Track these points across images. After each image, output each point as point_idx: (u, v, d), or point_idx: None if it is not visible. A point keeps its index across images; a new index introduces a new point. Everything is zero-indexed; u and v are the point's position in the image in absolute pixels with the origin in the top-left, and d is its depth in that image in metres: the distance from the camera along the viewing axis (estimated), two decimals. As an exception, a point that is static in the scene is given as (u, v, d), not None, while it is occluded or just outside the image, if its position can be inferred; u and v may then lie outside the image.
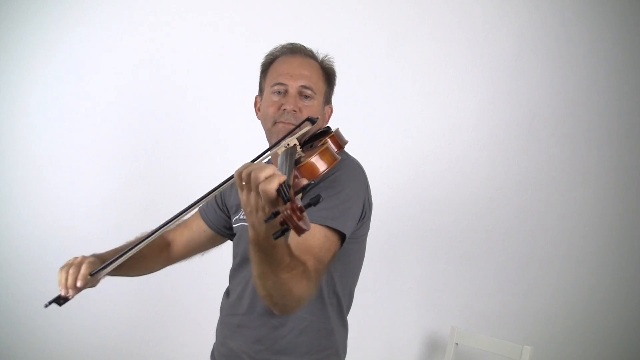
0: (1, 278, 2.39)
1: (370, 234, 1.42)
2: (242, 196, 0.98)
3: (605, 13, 2.34)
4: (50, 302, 1.23)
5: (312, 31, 2.24)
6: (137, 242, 1.26)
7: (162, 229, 1.25)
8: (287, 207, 0.83)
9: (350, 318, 1.45)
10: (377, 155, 2.25)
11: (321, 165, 1.06)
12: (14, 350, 2.40)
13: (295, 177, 0.98)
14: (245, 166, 0.97)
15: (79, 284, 1.22)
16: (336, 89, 1.48)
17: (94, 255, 1.34)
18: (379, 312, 2.33)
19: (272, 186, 0.89)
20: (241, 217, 1.46)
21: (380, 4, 2.36)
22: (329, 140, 1.21)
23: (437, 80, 2.34)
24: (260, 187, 0.91)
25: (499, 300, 2.32)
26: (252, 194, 0.95)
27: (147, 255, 1.50)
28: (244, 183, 0.96)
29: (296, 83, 1.36)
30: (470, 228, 2.33)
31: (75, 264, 1.25)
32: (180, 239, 1.59)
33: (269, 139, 1.42)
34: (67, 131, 2.40)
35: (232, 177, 1.18)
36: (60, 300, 1.23)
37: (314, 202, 0.83)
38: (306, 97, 1.37)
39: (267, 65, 1.45)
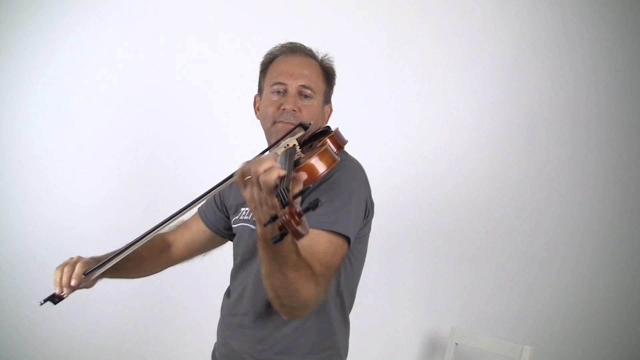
0: (1, 278, 2.39)
1: (371, 234, 1.42)
2: (246, 193, 0.98)
3: (605, 13, 2.34)
4: (45, 300, 1.27)
5: (312, 31, 2.24)
6: (132, 243, 1.27)
7: (157, 229, 1.26)
8: (285, 212, 0.83)
9: (351, 318, 1.45)
10: (377, 155, 2.25)
11: (320, 167, 1.05)
12: (14, 350, 2.40)
13: (294, 178, 0.98)
14: (245, 163, 0.98)
15: (72, 282, 1.25)
16: (336, 88, 1.48)
17: (92, 257, 1.35)
18: (379, 312, 2.33)
19: (272, 176, 0.90)
20: (241, 217, 1.46)
21: (380, 4, 2.36)
22: (328, 141, 1.21)
23: (437, 80, 2.34)
24: (261, 179, 0.92)
25: (499, 300, 2.32)
26: (255, 189, 0.95)
27: (146, 257, 1.50)
28: (246, 179, 0.97)
29: (296, 82, 1.36)
30: (470, 228, 2.33)
31: (70, 264, 1.28)
32: (180, 240, 1.59)
33: (268, 139, 1.42)
34: (67, 131, 2.40)
35: (230, 176, 1.19)
36: (55, 299, 1.26)
37: (313, 206, 0.83)
38: (306, 96, 1.37)
39: (267, 65, 1.44)
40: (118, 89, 2.39)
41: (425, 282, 2.34)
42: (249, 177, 0.96)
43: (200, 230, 1.59)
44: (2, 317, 2.40)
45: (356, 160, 1.38)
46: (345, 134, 1.30)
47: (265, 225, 0.90)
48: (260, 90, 1.46)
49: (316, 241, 1.15)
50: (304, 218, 0.84)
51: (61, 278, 1.26)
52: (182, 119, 2.39)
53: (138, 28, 2.39)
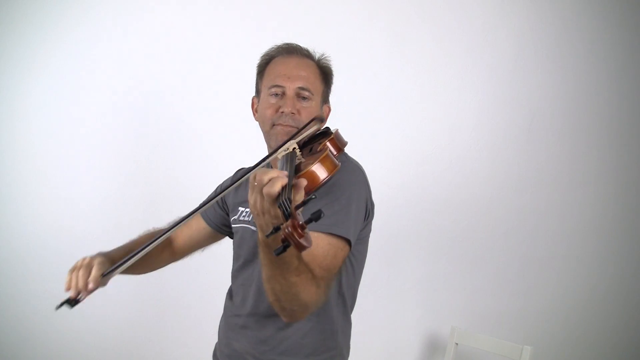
0: (1, 278, 2.40)
1: (371, 234, 1.42)
2: (250, 199, 0.99)
3: (605, 13, 2.34)
4: (61, 305, 1.23)
5: (312, 31, 2.24)
6: (147, 243, 1.25)
7: (172, 229, 1.24)
8: (288, 224, 0.83)
9: (351, 318, 1.45)
10: (377, 155, 2.25)
11: (322, 174, 1.04)
12: (14, 350, 2.40)
13: (296, 185, 0.98)
14: (255, 170, 0.99)
15: (90, 285, 1.22)
16: (336, 88, 1.48)
17: (101, 255, 1.32)
18: (379, 312, 2.33)
19: (275, 188, 0.90)
20: (241, 217, 1.46)
21: (380, 4, 2.36)
22: (329, 144, 1.20)
23: (437, 80, 2.34)
24: (264, 190, 0.92)
25: (499, 300, 2.32)
26: (258, 197, 0.96)
27: (150, 254, 1.50)
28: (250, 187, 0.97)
29: (293, 85, 1.36)
30: (470, 228, 2.33)
31: (84, 266, 1.25)
32: (180, 236, 1.60)
33: (267, 141, 1.42)
34: (67, 131, 2.40)
35: (236, 181, 1.19)
36: (71, 303, 1.23)
37: (315, 217, 0.82)
38: (304, 98, 1.36)
39: (263, 66, 1.44)
40: (118, 89, 2.39)
41: (425, 282, 2.34)
42: (252, 186, 0.97)
43: (200, 227, 1.59)
44: (2, 317, 2.40)
45: (356, 162, 1.38)
46: (344, 134, 1.30)
47: (267, 236, 0.89)
48: (257, 92, 1.46)
49: (316, 244, 1.15)
50: (307, 230, 0.84)
51: (77, 282, 1.23)
52: (182, 119, 2.39)
53: (138, 28, 2.39)
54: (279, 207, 0.87)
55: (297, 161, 1.10)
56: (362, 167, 1.38)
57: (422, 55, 2.34)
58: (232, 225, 1.51)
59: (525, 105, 2.33)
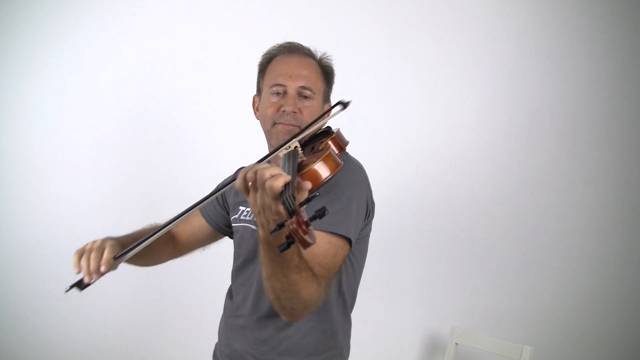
0: (1, 278, 2.40)
1: (371, 234, 1.42)
2: (250, 198, 0.98)
3: (605, 13, 2.34)
4: (71, 287, 1.20)
5: (312, 31, 2.24)
6: (158, 229, 1.24)
7: (181, 217, 1.23)
8: (292, 221, 0.82)
9: (351, 317, 1.45)
10: (377, 155, 2.25)
11: (324, 172, 1.03)
12: (14, 350, 2.40)
13: (298, 184, 0.97)
14: (251, 167, 0.97)
15: (102, 268, 1.19)
16: (336, 88, 1.48)
17: (111, 238, 1.29)
18: (379, 312, 2.33)
19: (278, 183, 0.90)
20: (241, 217, 1.46)
21: (380, 4, 2.36)
22: (331, 143, 1.20)
23: (437, 80, 2.34)
24: (267, 184, 0.91)
25: (499, 300, 2.32)
26: (259, 194, 0.95)
27: (155, 247, 1.49)
28: (249, 184, 0.96)
29: (295, 84, 1.36)
30: (470, 228, 2.33)
31: (96, 248, 1.21)
32: (181, 234, 1.59)
33: (268, 140, 1.42)
34: (67, 131, 2.40)
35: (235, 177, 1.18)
36: (81, 285, 1.20)
37: (320, 214, 0.82)
38: (305, 97, 1.37)
39: (265, 65, 1.44)
40: (118, 89, 2.39)
41: (426, 282, 2.34)
42: (252, 182, 0.96)
43: (200, 225, 1.59)
44: (2, 317, 2.40)
45: (357, 161, 1.38)
46: (345, 134, 1.30)
47: (271, 232, 0.89)
48: (258, 90, 1.46)
49: (316, 243, 1.15)
50: (311, 227, 0.83)
51: (88, 265, 1.19)
52: (182, 119, 2.39)
53: (138, 28, 2.39)
54: (282, 204, 0.87)
55: (299, 159, 1.10)
56: (363, 166, 1.38)
57: (422, 55, 2.34)
58: (232, 225, 1.50)
59: (525, 105, 2.33)
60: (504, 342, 1.99)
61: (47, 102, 2.39)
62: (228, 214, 1.56)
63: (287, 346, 1.33)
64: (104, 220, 2.35)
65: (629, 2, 2.34)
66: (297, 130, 1.33)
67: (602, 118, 2.34)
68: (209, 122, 2.38)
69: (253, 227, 1.39)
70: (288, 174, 0.95)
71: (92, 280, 1.19)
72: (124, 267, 2.46)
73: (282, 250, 0.84)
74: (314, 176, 1.02)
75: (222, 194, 1.54)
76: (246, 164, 1.58)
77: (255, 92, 1.49)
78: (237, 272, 1.46)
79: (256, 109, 1.46)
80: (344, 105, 1.23)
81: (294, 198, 0.87)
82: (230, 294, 1.49)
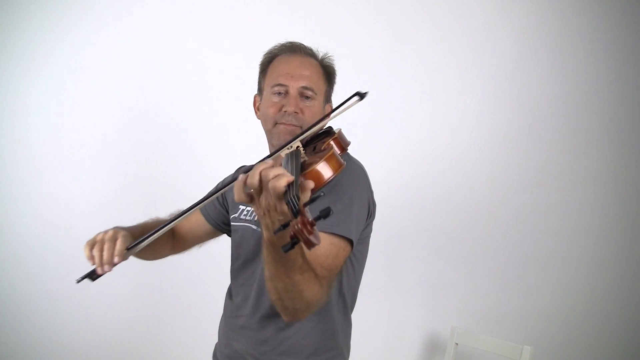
0: (1, 278, 2.40)
1: (371, 234, 1.42)
2: (255, 199, 0.98)
3: (605, 13, 2.34)
4: (82, 278, 1.19)
5: (312, 31, 2.24)
6: (169, 221, 1.23)
7: (185, 214, 1.23)
8: (297, 221, 0.82)
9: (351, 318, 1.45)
10: (377, 155, 2.25)
11: (327, 172, 1.03)
12: (14, 350, 2.40)
13: (302, 184, 0.96)
14: (251, 171, 0.97)
15: (116, 260, 1.18)
16: (336, 88, 1.48)
17: (121, 228, 1.28)
18: (379, 312, 2.33)
19: (281, 183, 0.90)
20: (241, 216, 1.45)
21: (380, 4, 2.36)
22: (333, 143, 1.20)
23: (437, 80, 2.34)
24: (270, 184, 0.91)
25: (499, 301, 2.32)
26: (263, 195, 0.95)
27: (158, 241, 1.48)
28: (252, 190, 0.96)
29: (297, 84, 1.35)
30: (470, 228, 2.33)
31: (109, 239, 1.20)
32: (180, 231, 1.59)
33: (269, 139, 1.41)
34: (67, 131, 2.40)
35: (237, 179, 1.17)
36: (94, 276, 1.19)
37: (324, 214, 0.82)
38: (307, 97, 1.36)
39: (266, 64, 1.43)
40: (118, 89, 2.39)
41: (425, 282, 2.34)
42: (252, 184, 0.95)
43: (199, 223, 1.59)
44: (2, 317, 2.40)
45: (358, 162, 1.38)
46: (345, 134, 1.30)
47: (275, 232, 0.89)
48: (260, 90, 1.46)
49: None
50: (315, 227, 0.83)
51: (101, 256, 1.17)
52: (182, 119, 2.39)
53: (138, 28, 2.39)
54: (287, 204, 0.86)
55: (301, 159, 1.09)
56: (364, 167, 1.38)
57: (422, 55, 2.34)
58: (232, 224, 1.50)
59: (525, 105, 2.33)
60: (504, 342, 1.99)
61: (47, 102, 2.39)
62: (227, 212, 1.55)
63: (287, 346, 1.33)
64: (104, 220, 2.31)
65: (629, 2, 2.34)
66: (299, 130, 1.32)
67: (602, 118, 2.34)
68: (209, 122, 2.38)
69: (254, 227, 1.39)
70: (290, 173, 0.95)
71: (105, 271, 1.18)
72: (124, 267, 2.46)
73: (287, 251, 0.84)
74: (317, 176, 1.01)
75: (222, 194, 1.54)
76: (247, 163, 1.59)
77: (255, 92, 1.48)
78: (237, 272, 1.46)
79: (257, 109, 1.46)
80: (361, 96, 1.20)
81: (298, 198, 0.86)
82: (230, 294, 1.49)
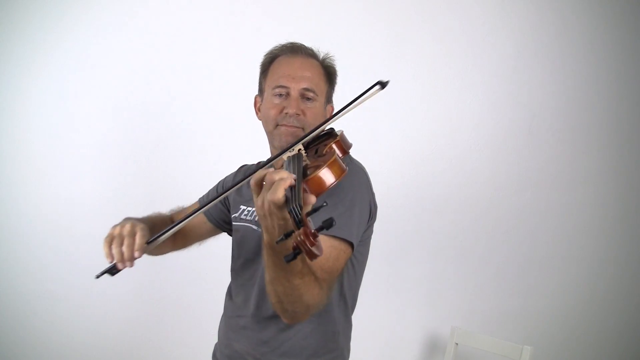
0: (1, 278, 2.40)
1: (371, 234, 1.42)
2: (257, 201, 0.98)
3: (605, 13, 2.34)
4: (102, 273, 1.17)
5: (312, 31, 2.24)
6: (185, 216, 1.22)
7: (195, 214, 1.22)
8: (300, 233, 0.82)
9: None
10: (377, 156, 2.25)
11: (329, 179, 1.01)
12: (14, 350, 2.40)
13: (304, 190, 0.95)
14: (261, 170, 0.97)
15: (136, 254, 1.16)
16: (336, 88, 1.48)
17: (138, 221, 1.25)
18: (379, 312, 2.33)
19: (283, 188, 0.90)
20: (242, 216, 1.45)
21: (380, 4, 2.36)
22: (335, 147, 1.19)
23: (437, 80, 2.34)
24: (272, 189, 0.91)
25: (499, 300, 2.32)
26: (265, 198, 0.95)
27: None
28: (264, 183, 0.96)
29: (298, 85, 1.35)
30: (470, 228, 2.33)
31: (128, 235, 1.17)
32: (182, 228, 1.57)
33: (270, 141, 1.41)
34: (68, 131, 2.40)
35: (240, 178, 1.17)
36: (113, 271, 1.17)
37: (327, 225, 0.82)
38: (308, 99, 1.36)
39: (267, 65, 1.43)
40: (118, 89, 2.39)
41: (425, 282, 2.34)
42: (261, 185, 0.95)
43: (201, 221, 1.58)
44: (2, 317, 2.40)
45: (359, 164, 1.38)
46: (346, 135, 1.30)
47: (277, 242, 0.89)
48: (261, 91, 1.45)
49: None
50: (318, 238, 0.83)
51: (122, 252, 1.15)
52: (182, 119, 2.39)
53: (138, 28, 2.39)
54: (289, 213, 0.86)
55: (303, 163, 1.09)
56: (365, 169, 1.38)
57: (422, 55, 2.34)
58: (233, 223, 1.50)
59: (525, 105, 2.33)
60: (504, 342, 1.99)
61: (47, 102, 2.39)
62: (229, 211, 1.55)
63: (288, 347, 1.32)
64: (104, 220, 2.32)
65: (629, 2, 2.34)
66: (300, 132, 1.32)
67: (602, 118, 2.34)
68: (209, 122, 2.38)
69: (254, 227, 1.39)
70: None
71: (126, 267, 1.16)
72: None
73: (289, 261, 0.84)
74: (319, 183, 1.00)
75: (223, 190, 1.53)
76: (247, 162, 1.58)
77: (255, 92, 1.48)
78: (237, 271, 1.46)
79: (258, 109, 1.46)
80: (383, 85, 1.17)
81: (301, 207, 0.86)
82: (230, 294, 1.49)
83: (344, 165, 1.06)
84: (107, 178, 2.38)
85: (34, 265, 2.38)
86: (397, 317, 2.35)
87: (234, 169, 1.63)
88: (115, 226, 1.21)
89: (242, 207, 1.46)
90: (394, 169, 2.32)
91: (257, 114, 1.46)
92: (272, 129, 1.37)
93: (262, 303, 1.33)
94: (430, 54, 2.34)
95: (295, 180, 0.92)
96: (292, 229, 0.85)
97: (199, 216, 1.57)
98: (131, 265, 1.16)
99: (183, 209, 1.60)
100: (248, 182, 1.19)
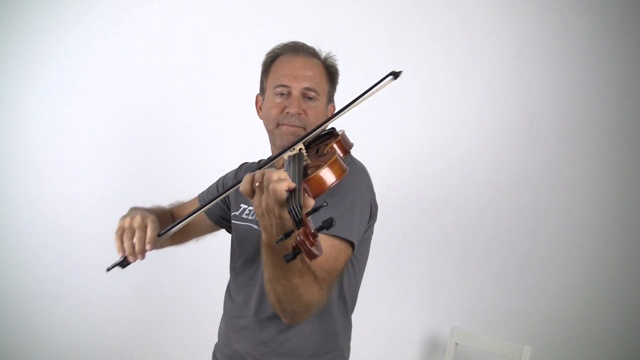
0: (1, 278, 2.39)
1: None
2: (255, 200, 0.97)
3: (605, 13, 2.34)
4: (112, 266, 1.17)
5: (312, 31, 2.23)
6: (194, 210, 1.22)
7: (203, 208, 1.23)
8: (300, 233, 0.82)
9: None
10: (377, 156, 2.25)
11: (330, 179, 1.01)
12: (14, 350, 2.40)
13: (305, 190, 0.95)
14: (259, 171, 0.97)
15: (148, 247, 1.15)
16: (337, 88, 1.48)
17: (147, 211, 1.24)
18: (379, 312, 2.33)
19: (282, 186, 0.89)
20: (243, 215, 1.45)
21: (380, 4, 2.36)
22: (336, 146, 1.19)
23: (437, 80, 2.34)
24: (271, 186, 0.91)
25: (499, 300, 2.32)
26: (264, 196, 0.94)
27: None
28: (257, 184, 0.96)
29: (299, 85, 1.35)
30: (470, 228, 2.33)
31: (139, 227, 1.16)
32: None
33: (271, 140, 1.41)
34: (68, 131, 2.40)
35: (240, 177, 1.17)
36: (124, 263, 1.16)
37: (327, 225, 0.81)
38: (310, 98, 1.35)
39: (269, 64, 1.42)
40: (118, 89, 2.39)
41: (425, 282, 2.34)
42: (259, 183, 0.95)
43: (200, 217, 1.57)
44: (2, 317, 2.40)
45: (360, 164, 1.37)
46: (347, 135, 1.30)
47: (277, 242, 0.88)
48: (262, 90, 1.45)
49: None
50: (318, 238, 0.83)
51: (133, 245, 1.14)
52: (182, 118, 2.39)
53: (138, 28, 2.39)
54: (289, 213, 0.86)
55: (304, 162, 1.09)
56: (366, 168, 1.37)
57: (422, 55, 2.34)
58: (233, 222, 1.49)
59: (525, 105, 2.33)
60: (504, 342, 1.99)
61: (47, 102, 2.39)
62: (229, 209, 1.55)
63: (288, 348, 1.32)
64: (104, 220, 2.33)
65: (629, 2, 2.33)
66: (302, 131, 1.32)
67: (602, 118, 2.33)
68: (210, 122, 2.38)
69: (256, 227, 1.39)
70: (293, 178, 0.94)
71: (137, 260, 1.16)
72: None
73: (288, 261, 0.83)
74: (320, 182, 0.99)
75: (224, 188, 1.53)
76: (248, 160, 1.58)
77: (256, 91, 1.48)
78: (238, 270, 1.46)
79: (259, 108, 1.45)
80: (396, 75, 1.17)
81: (301, 207, 0.86)
82: (229, 293, 1.49)
83: (344, 165, 1.05)
84: (107, 178, 2.38)
85: (34, 265, 2.38)
86: (397, 317, 2.35)
87: (234, 168, 1.63)
88: (124, 217, 1.20)
89: (243, 205, 1.46)
90: (394, 169, 2.31)
91: (258, 113, 1.46)
92: (273, 129, 1.37)
93: (263, 303, 1.33)
94: (430, 54, 2.34)
95: (294, 184, 0.92)
96: (291, 228, 0.85)
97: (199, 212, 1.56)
98: (142, 258, 1.15)
99: (182, 204, 1.59)
100: None
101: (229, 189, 1.22)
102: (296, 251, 0.82)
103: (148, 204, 2.33)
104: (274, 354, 1.33)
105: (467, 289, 2.33)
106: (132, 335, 2.40)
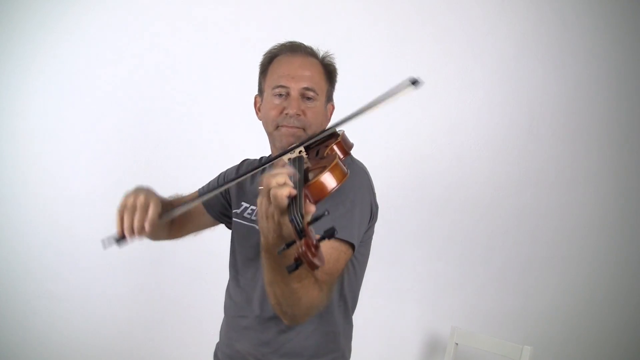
0: (1, 278, 2.40)
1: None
2: (257, 201, 0.98)
3: (605, 13, 2.34)
4: (109, 241, 1.17)
5: (312, 31, 2.23)
6: (196, 197, 1.22)
7: (214, 190, 1.24)
8: (302, 244, 0.81)
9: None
10: (377, 155, 2.23)
11: (331, 183, 1.00)
12: (14, 350, 2.40)
13: (306, 196, 0.94)
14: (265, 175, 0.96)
15: (147, 227, 1.15)
16: (336, 88, 1.48)
17: (150, 191, 1.23)
18: (379, 312, 2.32)
19: (284, 192, 0.89)
20: (245, 214, 1.44)
21: (380, 4, 2.36)
22: (336, 149, 1.19)
23: (437, 80, 2.34)
24: (272, 192, 0.91)
25: (499, 300, 2.32)
26: (264, 200, 0.94)
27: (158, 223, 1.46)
28: (260, 187, 0.96)
29: (298, 85, 1.34)
30: (470, 228, 2.33)
31: (140, 207, 1.16)
32: (179, 217, 1.56)
33: (271, 142, 1.40)
34: (68, 131, 2.40)
35: (246, 173, 1.17)
36: (120, 241, 1.16)
37: (329, 235, 0.81)
38: (309, 98, 1.35)
39: (267, 65, 1.41)
40: (118, 89, 2.39)
41: (426, 282, 2.34)
42: (262, 187, 0.95)
43: (199, 212, 1.56)
44: (2, 317, 2.40)
45: (361, 164, 1.37)
46: (347, 135, 1.30)
47: (279, 252, 0.88)
48: (260, 90, 1.44)
49: (319, 248, 1.14)
50: (320, 249, 0.82)
51: (132, 222, 1.14)
52: (182, 119, 2.39)
53: (138, 28, 2.39)
54: (290, 222, 0.85)
55: (305, 166, 1.08)
56: (366, 169, 1.37)
57: (422, 55, 2.34)
58: (234, 219, 1.48)
59: (525, 105, 2.33)
60: (504, 342, 1.98)
61: (48, 102, 2.39)
62: (229, 205, 1.54)
63: (289, 348, 1.32)
64: (104, 220, 2.32)
65: (629, 2, 2.33)
66: (301, 132, 1.32)
67: (602, 118, 2.33)
68: (209, 122, 2.38)
69: (257, 226, 1.38)
70: (294, 187, 0.94)
71: (134, 239, 1.15)
72: (124, 267, 2.46)
73: (290, 272, 0.83)
74: (321, 188, 0.99)
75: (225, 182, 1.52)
76: (250, 157, 1.58)
77: (255, 92, 1.47)
78: (238, 270, 1.45)
79: (258, 109, 1.44)
80: (416, 84, 1.18)
81: (302, 216, 0.85)
82: (229, 292, 1.48)
83: (345, 168, 1.05)
84: (107, 178, 2.38)
85: (34, 265, 2.38)
86: (397, 317, 2.35)
87: (235, 164, 1.62)
88: (128, 195, 1.19)
89: (244, 204, 1.45)
90: (394, 169, 2.31)
91: (257, 114, 1.45)
92: (272, 130, 1.37)
93: (264, 303, 1.33)
94: (430, 54, 2.34)
95: (295, 190, 0.92)
96: (292, 238, 0.85)
97: (198, 206, 1.55)
98: (140, 239, 1.15)
99: (181, 197, 1.59)
100: (248, 178, 1.19)
101: (228, 183, 1.21)
102: (298, 262, 0.82)
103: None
104: (275, 354, 1.33)
105: (467, 288, 2.33)
106: (132, 335, 2.40)
